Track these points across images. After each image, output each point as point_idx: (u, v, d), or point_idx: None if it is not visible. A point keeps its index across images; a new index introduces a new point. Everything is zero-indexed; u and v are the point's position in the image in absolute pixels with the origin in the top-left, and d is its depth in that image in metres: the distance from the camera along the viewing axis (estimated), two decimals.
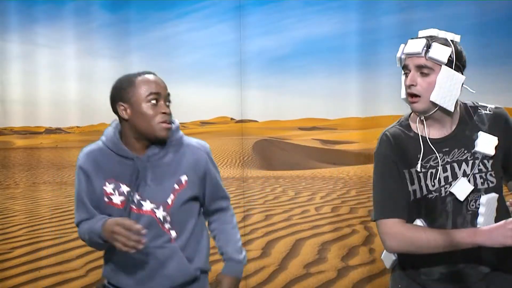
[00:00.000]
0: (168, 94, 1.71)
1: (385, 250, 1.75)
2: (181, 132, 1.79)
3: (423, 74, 1.61)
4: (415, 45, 1.61)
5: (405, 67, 1.64)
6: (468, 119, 1.67)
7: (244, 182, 5.95)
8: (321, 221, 5.60)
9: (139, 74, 1.71)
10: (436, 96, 1.59)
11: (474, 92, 1.67)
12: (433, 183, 1.62)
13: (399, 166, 1.67)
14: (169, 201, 1.71)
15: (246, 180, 5.95)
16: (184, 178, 1.72)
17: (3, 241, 4.96)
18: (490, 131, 1.64)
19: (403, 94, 1.68)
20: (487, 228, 1.56)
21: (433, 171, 1.63)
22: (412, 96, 1.62)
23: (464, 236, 1.55)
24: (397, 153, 1.69)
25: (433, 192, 1.62)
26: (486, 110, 1.69)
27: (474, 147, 1.62)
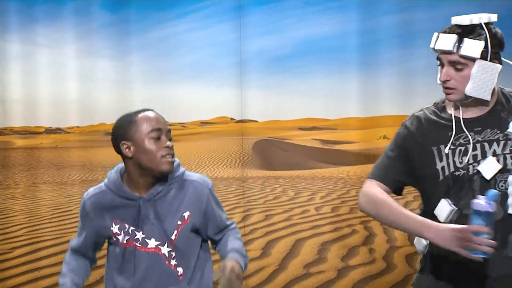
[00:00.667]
0: (169, 130, 1.75)
1: (418, 239, 1.75)
2: (182, 169, 1.83)
3: (457, 69, 1.60)
4: (446, 42, 1.59)
5: (438, 60, 1.63)
6: (506, 103, 1.67)
7: (244, 182, 5.94)
8: (321, 221, 5.60)
9: (139, 112, 1.75)
10: (470, 90, 1.59)
11: None
12: (460, 160, 1.62)
13: (422, 143, 1.67)
14: (173, 237, 1.75)
15: (246, 180, 5.95)
16: (186, 214, 1.76)
17: (3, 241, 4.96)
18: None
19: (439, 81, 1.67)
20: (440, 227, 1.55)
21: (462, 148, 1.63)
22: (447, 88, 1.62)
23: (417, 226, 1.58)
24: (423, 132, 1.69)
25: (460, 170, 1.61)
26: None
27: (507, 129, 1.61)
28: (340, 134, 5.62)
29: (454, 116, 1.67)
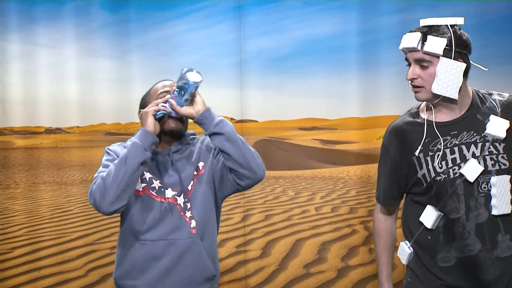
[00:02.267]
0: None
1: (400, 247, 1.77)
2: (195, 133, 1.99)
3: (423, 67, 1.62)
4: (410, 40, 1.63)
5: (406, 60, 1.67)
6: (481, 104, 1.68)
7: None
8: (321, 221, 5.59)
9: (156, 83, 1.92)
10: (437, 87, 1.61)
11: (487, 69, 1.67)
12: (440, 165, 1.63)
13: (401, 156, 1.69)
14: (189, 187, 1.80)
15: None
16: (201, 164, 1.85)
17: (3, 241, 4.96)
18: (503, 116, 1.64)
19: (407, 79, 1.71)
20: None
21: (440, 153, 1.64)
22: (414, 87, 1.64)
23: (379, 276, 1.83)
24: (398, 144, 1.71)
25: (441, 174, 1.64)
26: (501, 97, 1.70)
27: (484, 130, 1.63)
28: (340, 134, 5.62)
29: (427, 120, 1.68)
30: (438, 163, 1.64)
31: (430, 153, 1.67)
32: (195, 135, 1.98)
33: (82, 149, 5.71)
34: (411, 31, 1.68)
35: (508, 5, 3.66)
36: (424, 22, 1.69)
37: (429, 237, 1.68)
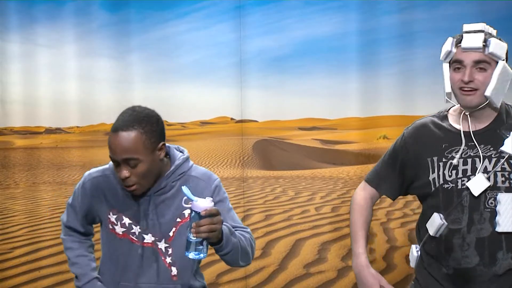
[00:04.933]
0: (128, 159, 1.58)
1: (410, 249, 1.76)
2: (189, 163, 1.75)
3: (481, 69, 1.58)
4: (475, 40, 1.58)
5: (457, 62, 1.61)
6: (506, 119, 1.65)
7: (244, 182, 5.92)
8: (321, 221, 5.59)
9: (113, 127, 1.62)
10: (491, 91, 1.57)
11: None
12: (450, 174, 1.61)
13: (416, 153, 1.67)
14: (171, 234, 1.70)
15: (246, 180, 5.93)
16: (187, 211, 1.66)
17: (3, 241, 4.96)
18: None
19: (448, 88, 1.63)
20: (362, 262, 1.64)
21: (453, 162, 1.62)
22: (467, 90, 1.59)
23: (353, 248, 1.79)
24: (421, 143, 1.69)
25: (449, 183, 1.62)
26: None
27: (502, 146, 1.60)
28: (340, 134, 5.61)
29: (451, 126, 1.67)
30: (448, 172, 1.63)
31: (444, 159, 1.65)
32: (186, 170, 1.73)
33: (82, 149, 5.71)
34: (467, 32, 1.61)
35: (508, 5, 3.66)
36: (473, 27, 1.62)
37: (433, 244, 1.68)
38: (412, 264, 1.80)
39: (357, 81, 4.39)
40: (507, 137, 1.61)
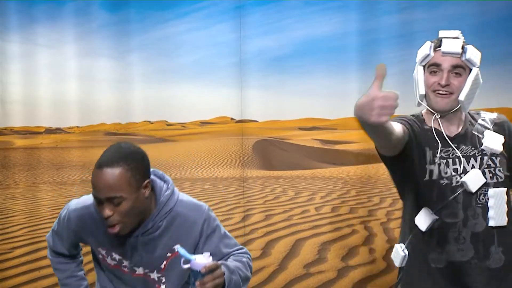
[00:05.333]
0: (112, 198, 1.53)
1: (394, 249, 1.76)
2: (174, 197, 1.67)
3: (456, 74, 1.62)
4: (454, 45, 1.63)
5: (435, 65, 1.64)
6: (474, 121, 1.71)
7: (244, 182, 5.93)
8: (321, 221, 5.59)
9: (97, 163, 1.57)
10: (464, 96, 1.63)
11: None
12: (446, 170, 1.64)
13: (420, 141, 1.67)
14: (162, 266, 1.68)
15: (246, 180, 5.94)
16: (177, 247, 1.57)
17: (3, 241, 4.96)
18: (496, 132, 1.68)
19: (422, 90, 1.66)
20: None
21: (444, 161, 1.65)
22: (442, 93, 1.63)
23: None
24: (419, 131, 1.70)
25: (445, 179, 1.64)
26: (491, 115, 1.74)
27: (481, 145, 1.67)
28: (340, 134, 5.62)
29: (435, 129, 1.69)
30: (444, 169, 1.66)
31: (437, 155, 1.68)
32: (172, 207, 1.65)
33: (82, 149, 5.72)
34: (446, 38, 1.64)
35: (508, 5, 3.67)
36: (448, 33, 1.67)
37: (423, 237, 1.68)
38: (398, 263, 1.80)
39: (357, 81, 4.39)
40: (483, 136, 1.68)
